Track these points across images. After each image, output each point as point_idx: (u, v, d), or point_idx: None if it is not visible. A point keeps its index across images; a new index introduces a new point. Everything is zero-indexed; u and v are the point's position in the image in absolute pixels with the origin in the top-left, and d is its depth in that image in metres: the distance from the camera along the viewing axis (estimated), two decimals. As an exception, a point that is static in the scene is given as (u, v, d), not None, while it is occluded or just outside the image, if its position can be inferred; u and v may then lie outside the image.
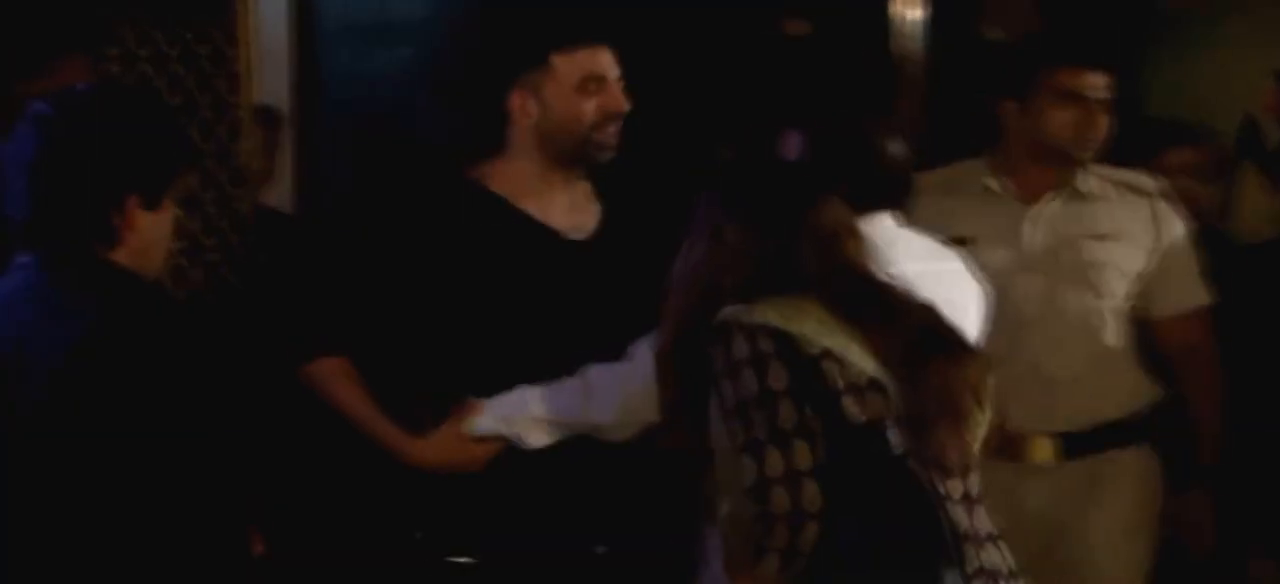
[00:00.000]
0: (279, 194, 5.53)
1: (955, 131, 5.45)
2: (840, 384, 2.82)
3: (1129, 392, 4.19)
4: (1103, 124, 4.09)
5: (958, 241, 4.12)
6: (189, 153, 3.03)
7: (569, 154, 3.55)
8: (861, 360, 2.84)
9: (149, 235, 2.83)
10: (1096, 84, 4.09)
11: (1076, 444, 4.15)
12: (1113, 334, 4.15)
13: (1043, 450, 4.16)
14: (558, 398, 3.48)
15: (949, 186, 4.23)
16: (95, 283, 2.77)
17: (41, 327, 2.73)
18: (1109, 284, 4.13)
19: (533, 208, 3.55)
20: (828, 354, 2.82)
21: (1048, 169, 4.15)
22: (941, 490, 2.87)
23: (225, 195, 4.61)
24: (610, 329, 3.47)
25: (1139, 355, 4.24)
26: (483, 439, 3.49)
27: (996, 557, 2.95)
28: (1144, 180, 4.25)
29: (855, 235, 3.00)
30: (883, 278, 2.99)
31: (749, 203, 3.00)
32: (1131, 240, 4.15)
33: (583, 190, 3.62)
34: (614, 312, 3.47)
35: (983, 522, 2.95)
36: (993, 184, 4.21)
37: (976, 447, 2.96)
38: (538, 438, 3.48)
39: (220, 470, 2.75)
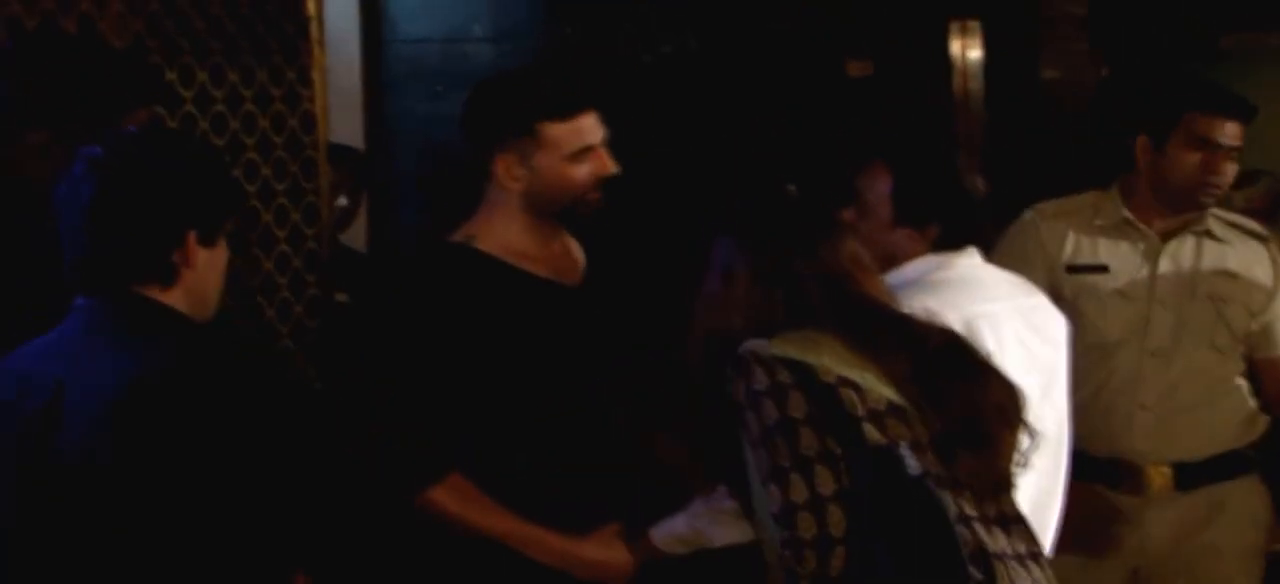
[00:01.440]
0: (351, 232, 5.58)
1: (1010, 169, 5.52)
2: (860, 410, 2.82)
3: (1244, 424, 4.26)
4: (1229, 172, 4.17)
5: (1088, 269, 4.27)
6: (237, 193, 3.05)
7: (554, 212, 3.52)
8: (879, 387, 2.85)
9: (205, 273, 2.82)
10: (1229, 133, 4.16)
11: (1192, 474, 4.22)
12: (1232, 369, 4.23)
13: (1159, 480, 4.22)
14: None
15: (1080, 215, 4.32)
16: (147, 324, 2.76)
17: (87, 368, 2.73)
18: (1235, 321, 4.20)
19: (528, 264, 3.52)
20: (845, 382, 2.83)
21: (1174, 208, 4.23)
22: (970, 511, 2.87)
23: (299, 234, 4.69)
24: (617, 369, 3.53)
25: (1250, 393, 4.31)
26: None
27: (1037, 574, 2.95)
28: (1256, 225, 4.36)
29: (865, 270, 3.02)
30: (898, 308, 3.01)
31: (757, 245, 3.00)
32: (1256, 282, 4.23)
33: (564, 238, 3.61)
34: (618, 352, 3.55)
35: (1019, 541, 2.95)
36: (1130, 216, 4.27)
37: (1011, 467, 2.97)
38: (727, 537, 3.44)
39: (258, 522, 2.73)
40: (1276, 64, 5.36)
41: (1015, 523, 2.96)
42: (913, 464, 2.83)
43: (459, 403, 3.41)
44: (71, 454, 2.71)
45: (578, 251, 3.64)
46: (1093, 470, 4.18)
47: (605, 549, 3.47)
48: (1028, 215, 4.39)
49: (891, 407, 2.85)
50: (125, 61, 3.66)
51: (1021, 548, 2.95)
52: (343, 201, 5.48)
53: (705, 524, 3.46)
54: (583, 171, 3.47)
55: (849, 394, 2.83)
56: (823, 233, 3.03)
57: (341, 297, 4.87)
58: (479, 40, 6.10)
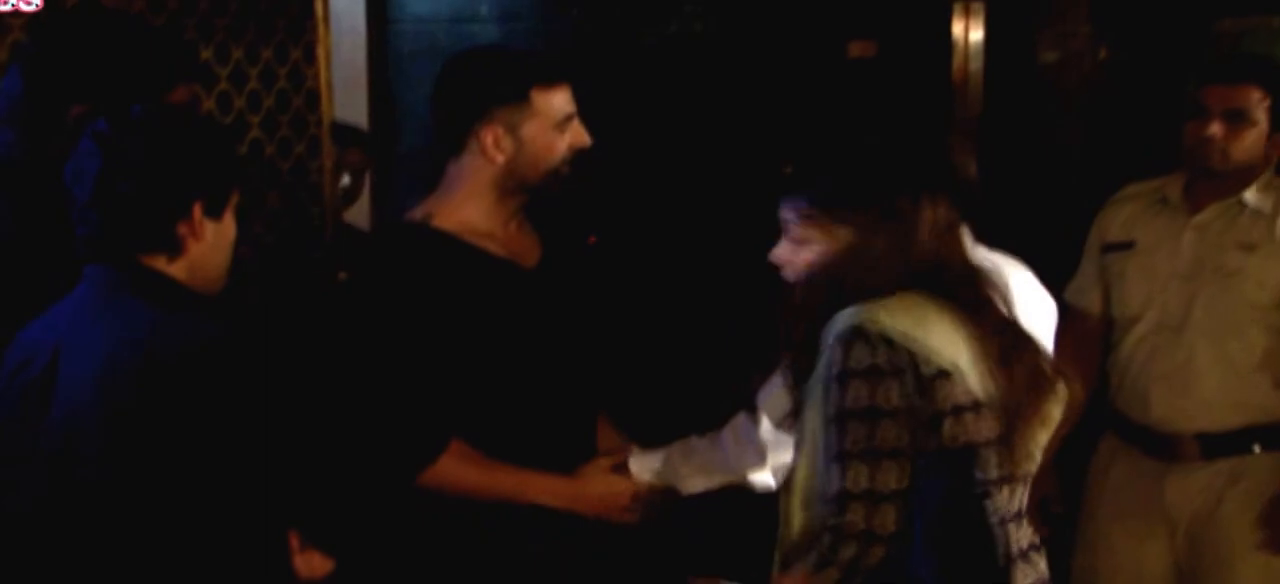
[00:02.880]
0: (355, 211, 5.62)
1: (1010, 150, 5.53)
2: (947, 406, 2.81)
3: (1273, 399, 4.25)
4: (1218, 132, 4.17)
5: (1116, 247, 4.35)
6: (240, 167, 3.07)
7: (530, 189, 3.51)
8: (971, 374, 2.84)
9: (212, 246, 2.85)
10: (1221, 96, 4.18)
11: (1217, 445, 4.24)
12: (1255, 342, 4.22)
13: (1185, 449, 4.26)
14: (711, 450, 3.54)
15: (1138, 197, 4.41)
16: (147, 293, 2.78)
17: (84, 335, 2.76)
18: (1248, 293, 4.20)
19: (485, 243, 3.50)
20: (943, 373, 2.82)
21: (1211, 182, 4.25)
22: (1006, 510, 2.90)
23: (304, 210, 4.72)
24: (579, 351, 3.59)
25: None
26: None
27: (1039, 566, 3.01)
28: None
29: (959, 230, 3.01)
30: (979, 273, 3.02)
31: (868, 194, 2.96)
32: (1275, 254, 4.21)
33: (521, 220, 3.58)
34: (575, 332, 3.58)
35: (1025, 535, 2.99)
36: (1171, 195, 4.32)
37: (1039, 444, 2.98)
38: (695, 485, 3.55)
39: (248, 488, 2.75)
40: (1272, 48, 5.35)
41: (1023, 514, 2.99)
42: (982, 472, 2.85)
43: (425, 381, 3.41)
44: (61, 418, 2.74)
45: (533, 235, 3.61)
46: (1130, 435, 4.33)
47: (606, 481, 3.55)
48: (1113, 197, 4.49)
49: (975, 403, 2.84)
50: (165, 38, 3.68)
51: (1025, 542, 2.98)
52: (346, 180, 5.50)
53: (677, 469, 3.55)
54: (564, 141, 3.48)
55: (943, 386, 2.82)
56: (927, 185, 2.99)
57: (344, 275, 4.89)
58: (484, 20, 6.11)
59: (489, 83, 3.45)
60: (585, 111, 3.52)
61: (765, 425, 3.45)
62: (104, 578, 2.74)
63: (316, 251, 4.72)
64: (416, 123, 5.94)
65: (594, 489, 3.54)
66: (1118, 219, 4.42)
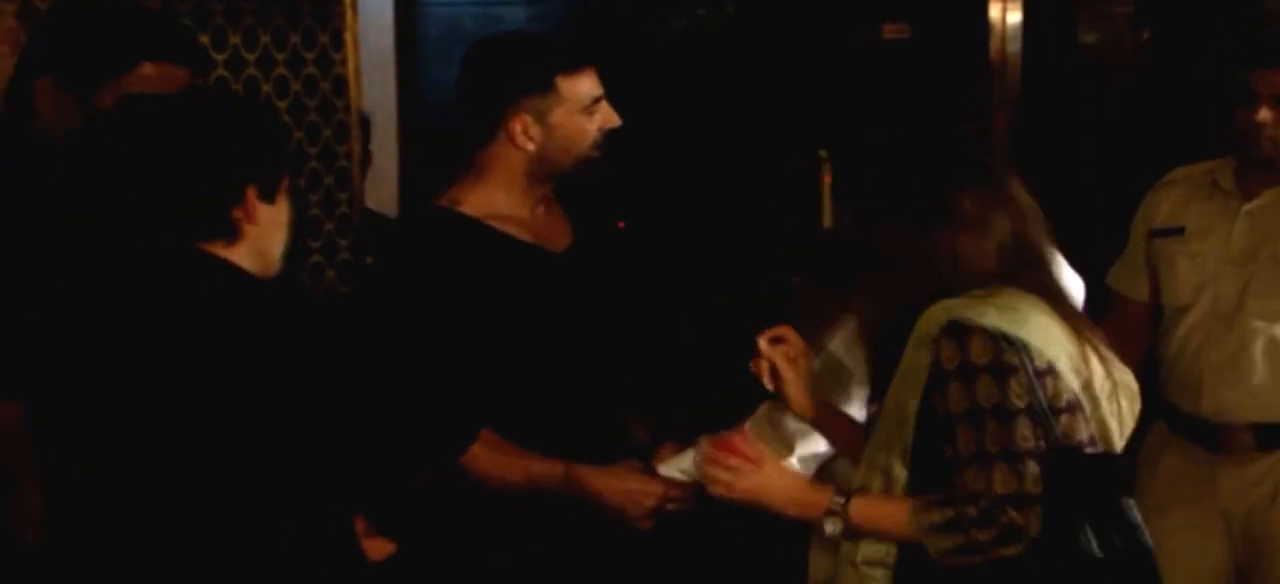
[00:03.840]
0: (382, 197, 5.59)
1: (1047, 132, 5.49)
2: (1060, 402, 2.78)
3: None
4: (1268, 119, 4.07)
5: (1164, 232, 4.27)
6: (290, 147, 3.06)
7: (561, 174, 3.50)
8: (1068, 374, 2.81)
9: (267, 229, 2.82)
10: (1268, 81, 4.09)
11: (1272, 436, 4.17)
12: None
13: (1239, 441, 4.18)
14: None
15: (1187, 182, 4.32)
16: (206, 279, 2.77)
17: (143, 323, 2.74)
18: None
19: (511, 228, 3.48)
20: (1050, 369, 2.78)
21: (1265, 168, 4.16)
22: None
23: (331, 197, 4.69)
24: (605, 335, 3.55)
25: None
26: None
27: None
28: None
29: (1039, 219, 2.97)
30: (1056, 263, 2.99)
31: (984, 177, 2.92)
32: None
33: (551, 204, 3.58)
34: (605, 318, 3.55)
35: None
36: (1222, 180, 4.25)
37: None
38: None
39: (314, 473, 2.76)
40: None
41: None
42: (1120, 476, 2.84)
43: (453, 367, 3.40)
44: (115, 401, 2.72)
45: (564, 219, 3.60)
46: (1181, 426, 4.24)
47: (634, 478, 3.48)
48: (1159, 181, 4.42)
49: (1074, 401, 2.81)
50: (136, 13, 3.63)
51: None
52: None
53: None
54: (593, 124, 3.47)
55: (1051, 382, 2.78)
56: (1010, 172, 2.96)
57: (371, 260, 4.87)
58: (513, 3, 6.10)
59: (514, 72, 3.45)
60: (614, 95, 3.50)
61: (791, 415, 3.39)
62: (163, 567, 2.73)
63: (346, 238, 4.70)
64: (445, 107, 5.90)
65: (618, 484, 3.47)
66: (1165, 204, 4.33)
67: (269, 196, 2.81)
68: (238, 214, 2.77)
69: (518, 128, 3.42)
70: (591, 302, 3.55)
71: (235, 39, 4.53)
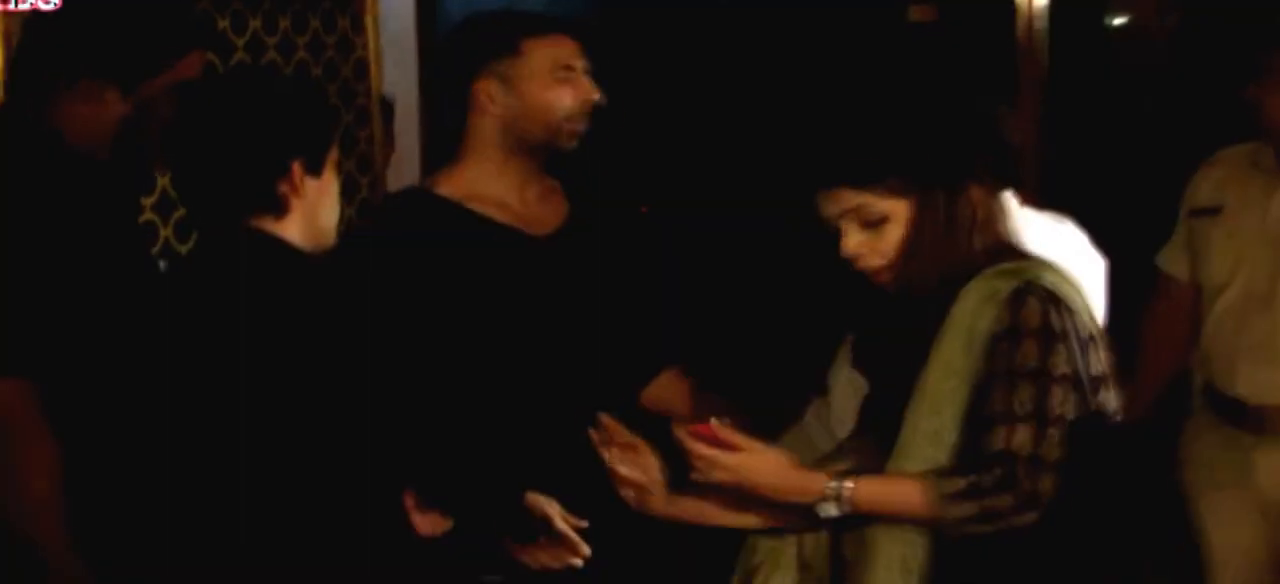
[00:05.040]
0: (406, 182, 5.56)
1: (1076, 117, 5.45)
2: (1099, 372, 2.77)
3: None
4: None
5: (1204, 211, 4.24)
6: (337, 120, 3.08)
7: (534, 145, 3.46)
8: (1102, 346, 2.81)
9: (316, 203, 2.86)
10: None
11: None
12: None
13: (1275, 423, 4.13)
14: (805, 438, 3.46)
15: (1228, 162, 4.28)
16: (257, 255, 2.81)
17: (199, 303, 2.79)
18: None
19: (487, 209, 3.45)
20: (1093, 338, 2.78)
21: None
22: None
23: (353, 182, 4.69)
24: (587, 324, 3.47)
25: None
26: None
27: None
28: None
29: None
30: None
31: (969, 155, 2.86)
32: None
33: (542, 186, 3.54)
34: (588, 306, 3.47)
35: None
36: (1263, 160, 4.20)
37: None
38: None
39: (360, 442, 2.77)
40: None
41: None
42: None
43: (400, 347, 3.29)
44: (188, 372, 2.76)
45: (555, 202, 3.56)
46: (1220, 407, 4.20)
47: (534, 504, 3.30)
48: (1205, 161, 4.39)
49: (1110, 373, 2.80)
50: (169, 7, 3.64)
51: None
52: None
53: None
54: (565, 95, 3.43)
55: (1094, 354, 2.77)
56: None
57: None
58: (535, -13, 6.07)
59: (481, 38, 3.44)
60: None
61: (836, 408, 3.37)
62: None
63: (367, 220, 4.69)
64: (467, 93, 5.91)
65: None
66: (1207, 184, 4.28)
67: (316, 170, 2.85)
68: (284, 189, 2.80)
69: (483, 94, 3.41)
70: (566, 288, 3.49)
71: (255, 23, 4.54)
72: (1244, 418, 4.15)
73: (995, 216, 2.85)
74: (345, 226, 4.54)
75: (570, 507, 3.29)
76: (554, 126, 3.43)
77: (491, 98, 3.41)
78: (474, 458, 3.30)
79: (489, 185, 3.46)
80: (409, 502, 2.98)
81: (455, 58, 3.49)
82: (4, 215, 3.15)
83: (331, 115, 3.07)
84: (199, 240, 2.92)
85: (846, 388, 3.37)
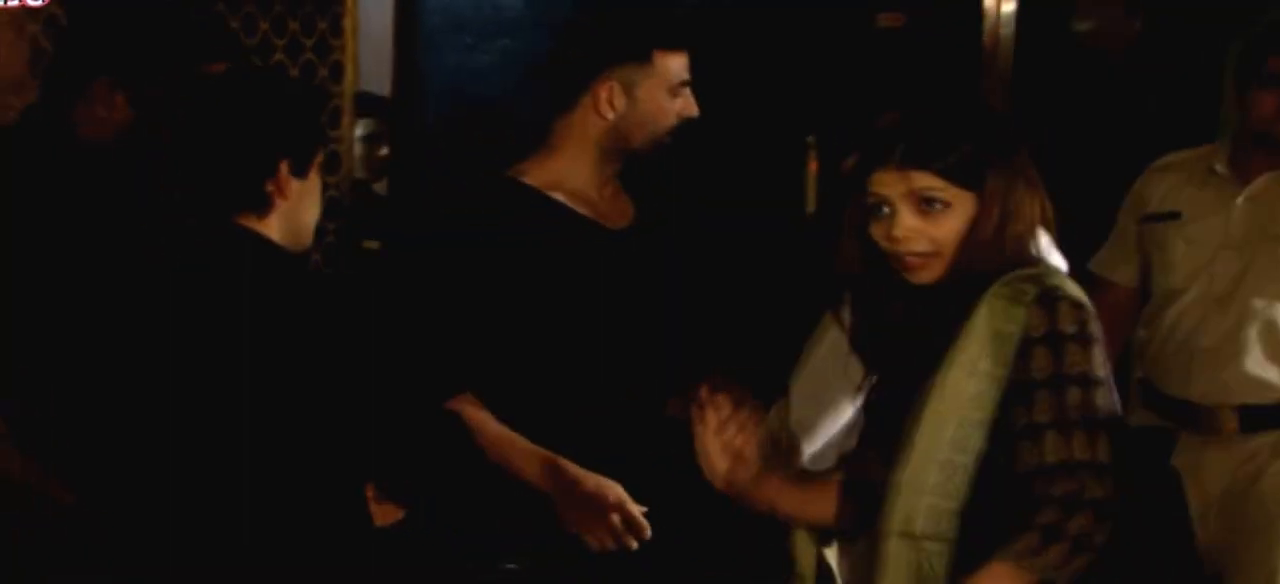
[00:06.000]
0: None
1: (1042, 123, 5.47)
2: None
3: None
4: None
5: (1158, 217, 4.29)
6: (322, 125, 3.14)
7: (632, 150, 3.48)
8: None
9: (298, 203, 2.91)
10: None
11: (1259, 418, 4.19)
12: None
13: (1225, 423, 4.20)
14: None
15: (1187, 167, 4.34)
16: (237, 250, 2.86)
17: (184, 297, 2.85)
18: None
19: (571, 201, 3.47)
20: (1099, 340, 2.75)
21: (1266, 153, 4.20)
22: None
23: (322, 182, 4.71)
24: (662, 318, 3.50)
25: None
26: None
27: None
28: None
29: None
30: None
31: (1009, 152, 2.82)
32: None
33: (615, 184, 3.56)
34: (663, 301, 3.50)
35: None
36: (1219, 166, 4.27)
37: None
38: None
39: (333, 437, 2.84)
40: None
41: None
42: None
43: (477, 328, 3.37)
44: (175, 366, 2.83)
45: (626, 199, 3.58)
46: (1164, 409, 4.25)
47: (600, 488, 3.35)
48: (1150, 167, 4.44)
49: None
50: (199, 14, 3.69)
51: None
52: (385, 151, 5.52)
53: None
54: (675, 108, 3.46)
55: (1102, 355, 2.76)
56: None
57: (371, 244, 4.90)
58: (514, -9, 6.10)
59: (613, 37, 3.45)
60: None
61: (795, 415, 3.41)
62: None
63: (335, 221, 4.72)
64: (442, 95, 5.94)
65: (582, 493, 3.35)
66: (1158, 189, 4.35)
67: (301, 172, 2.90)
68: (270, 187, 2.86)
69: (604, 94, 3.42)
70: (645, 282, 3.51)
71: (235, 24, 4.56)
72: (1195, 419, 4.21)
73: (1036, 222, 2.83)
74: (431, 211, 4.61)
75: (631, 492, 3.37)
76: (656, 138, 3.47)
77: (612, 102, 3.42)
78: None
79: (575, 179, 3.48)
80: (369, 492, 3.01)
81: (579, 51, 3.47)
82: (11, 213, 3.21)
83: (319, 118, 3.12)
84: (182, 234, 2.95)
85: (810, 388, 3.41)
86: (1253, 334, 4.16)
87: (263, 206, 2.86)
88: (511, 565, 3.44)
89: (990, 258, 2.76)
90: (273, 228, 2.88)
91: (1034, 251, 2.82)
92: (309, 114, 3.00)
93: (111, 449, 2.90)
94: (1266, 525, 4.16)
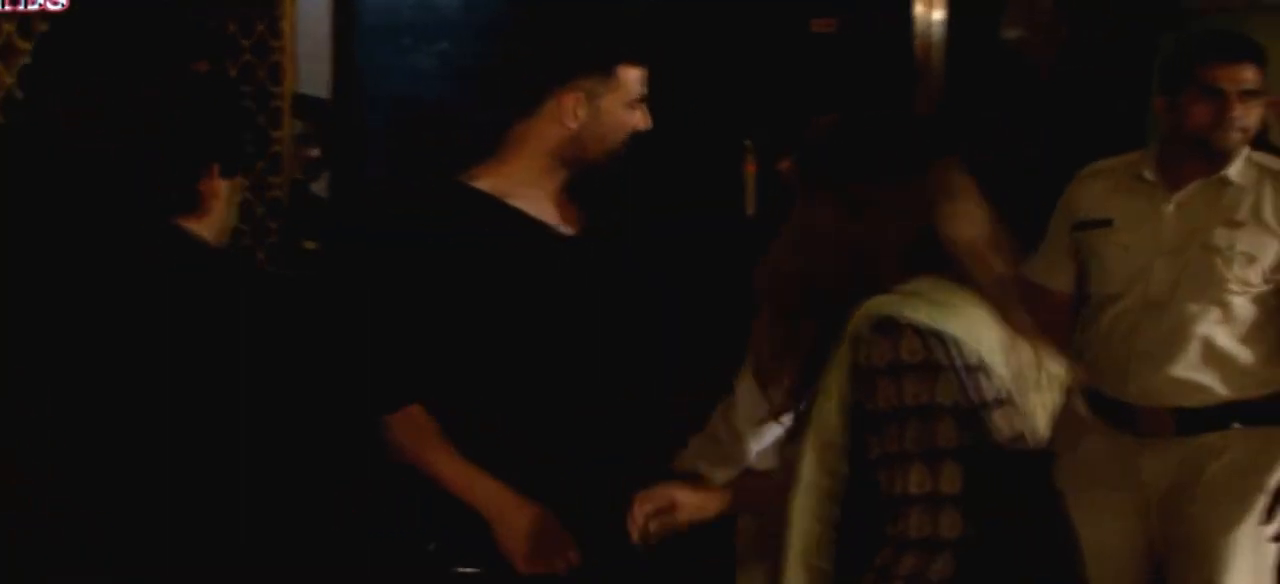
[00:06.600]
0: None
1: (971, 128, 5.54)
2: (988, 398, 2.66)
3: (1255, 375, 4.24)
4: (1240, 113, 4.16)
5: (1090, 224, 4.31)
6: (251, 126, 3.17)
7: (588, 160, 3.46)
8: (1000, 367, 2.70)
9: (226, 200, 2.98)
10: (1234, 77, 4.17)
11: (1195, 420, 4.23)
12: (1240, 319, 4.22)
13: (1162, 424, 4.25)
14: (714, 444, 3.54)
15: (1115, 174, 4.38)
16: (174, 250, 2.92)
17: (132, 299, 2.90)
18: (1236, 270, 4.19)
19: (527, 207, 3.44)
20: (981, 364, 2.66)
21: (1196, 160, 4.24)
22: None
23: (263, 181, 4.72)
24: (613, 323, 3.50)
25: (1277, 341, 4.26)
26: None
27: None
28: None
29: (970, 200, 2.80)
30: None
31: (906, 153, 2.78)
32: (1265, 228, 4.21)
33: (564, 191, 3.52)
34: (614, 306, 3.51)
35: None
36: (1147, 173, 4.32)
37: None
38: (723, 474, 3.51)
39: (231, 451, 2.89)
40: (1238, 20, 5.38)
41: None
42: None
43: (432, 334, 3.36)
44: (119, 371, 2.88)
45: (573, 206, 3.55)
46: (1103, 409, 4.27)
47: (541, 523, 3.37)
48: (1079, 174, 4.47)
49: (1004, 396, 2.69)
50: (183, 15, 3.68)
51: None
52: (315, 152, 5.51)
53: (705, 459, 3.52)
54: (632, 121, 3.46)
55: (981, 379, 2.65)
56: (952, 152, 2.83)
57: (310, 244, 4.91)
58: (449, -7, 6.13)
59: (579, 48, 3.44)
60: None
61: (742, 413, 3.45)
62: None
63: (277, 220, 4.73)
64: (380, 96, 5.95)
65: (519, 522, 3.36)
66: (1088, 197, 4.39)
67: (231, 173, 2.97)
68: (205, 189, 2.92)
69: (567, 105, 3.40)
70: (598, 288, 3.50)
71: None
72: (1133, 420, 4.26)
73: (903, 241, 2.74)
74: (256, 224, 4.64)
75: (575, 501, 3.38)
76: (611, 150, 3.46)
77: (575, 113, 3.41)
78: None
79: (530, 186, 3.45)
80: None
81: (542, 59, 3.46)
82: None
83: (248, 121, 3.18)
84: (119, 235, 2.97)
85: (753, 387, 3.43)
86: (1188, 339, 4.20)
87: (198, 208, 2.92)
88: (470, 569, 3.44)
89: (843, 280, 2.73)
90: (207, 228, 2.94)
91: (889, 273, 2.73)
92: (237, 114, 3.07)
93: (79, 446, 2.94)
94: (1206, 529, 4.23)
